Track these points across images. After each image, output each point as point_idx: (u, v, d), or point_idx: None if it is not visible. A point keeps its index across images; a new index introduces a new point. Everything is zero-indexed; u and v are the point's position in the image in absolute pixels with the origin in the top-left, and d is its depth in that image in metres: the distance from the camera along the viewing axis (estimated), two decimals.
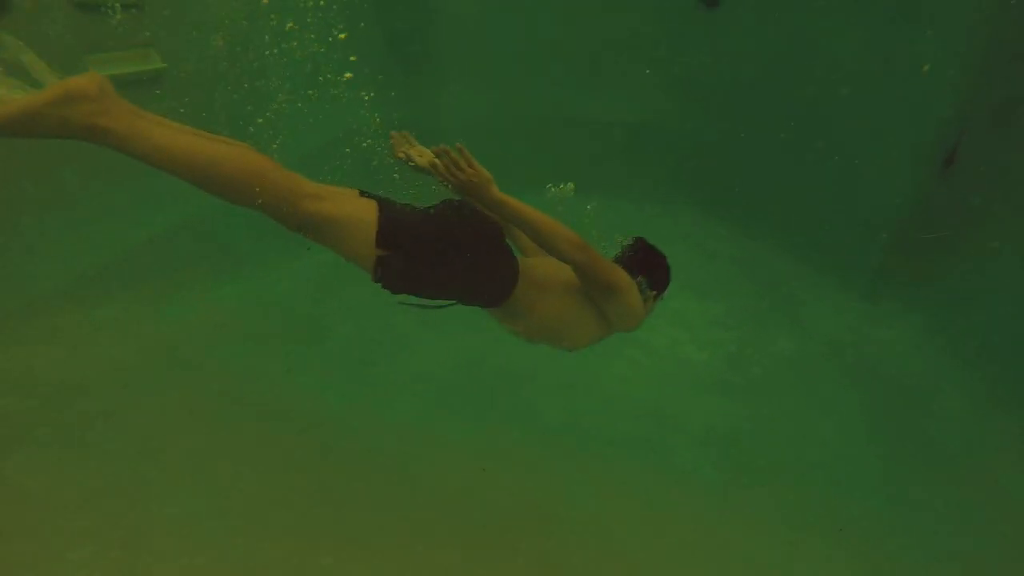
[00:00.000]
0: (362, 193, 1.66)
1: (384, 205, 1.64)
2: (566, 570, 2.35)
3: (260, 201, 1.51)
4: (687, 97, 5.27)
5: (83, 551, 2.06)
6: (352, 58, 4.87)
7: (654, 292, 1.89)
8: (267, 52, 4.02)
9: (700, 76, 5.15)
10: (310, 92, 4.56)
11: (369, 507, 2.51)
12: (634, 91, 5.44)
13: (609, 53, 5.35)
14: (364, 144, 4.99)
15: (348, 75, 4.90)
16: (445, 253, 1.65)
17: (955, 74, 4.05)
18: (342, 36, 4.67)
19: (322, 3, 4.23)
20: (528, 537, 2.49)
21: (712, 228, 5.56)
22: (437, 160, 1.57)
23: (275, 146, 4.18)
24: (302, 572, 2.15)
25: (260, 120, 4.07)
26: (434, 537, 2.39)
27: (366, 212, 1.59)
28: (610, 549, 2.49)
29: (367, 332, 3.86)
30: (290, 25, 4.17)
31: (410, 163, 1.87)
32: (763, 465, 3.20)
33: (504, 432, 3.16)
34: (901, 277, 4.61)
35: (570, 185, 1.99)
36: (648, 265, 1.90)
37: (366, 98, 5.17)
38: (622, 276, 1.72)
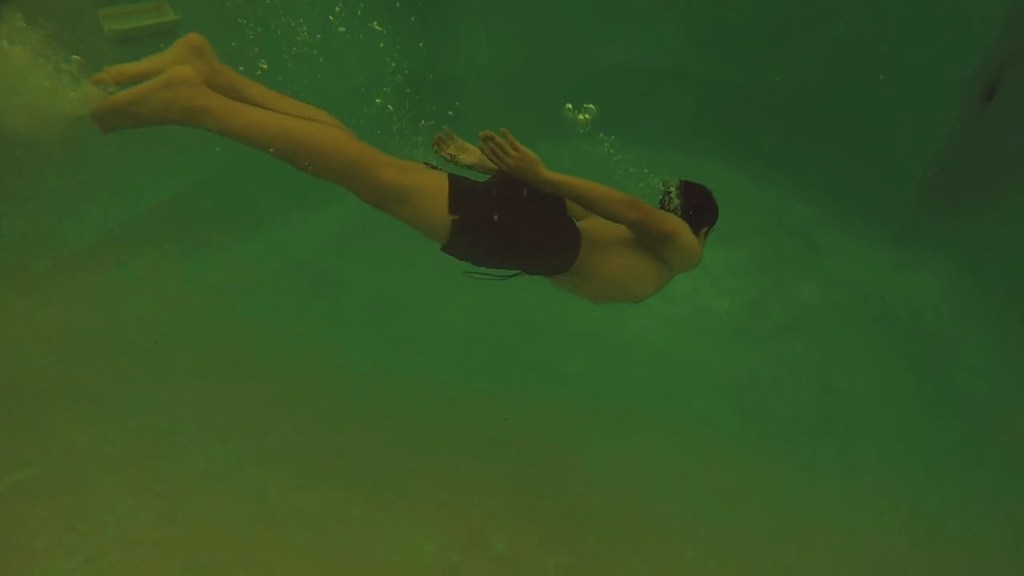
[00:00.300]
0: (429, 166, 1.75)
1: (454, 175, 1.72)
2: (588, 515, 2.42)
3: (343, 175, 1.66)
4: (709, 41, 5.05)
5: (128, 502, 2.17)
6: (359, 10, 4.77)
7: (705, 228, 1.99)
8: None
9: (723, 19, 4.92)
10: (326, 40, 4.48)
11: (395, 458, 2.59)
12: (655, 37, 5.23)
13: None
14: (382, 93, 4.93)
15: (375, 25, 4.79)
16: (514, 220, 1.71)
17: None
18: None
19: None
20: (551, 483, 2.56)
21: (734, 175, 5.43)
22: (483, 147, 1.65)
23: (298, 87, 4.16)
24: (335, 522, 2.25)
25: (270, 67, 4.03)
26: (460, 487, 2.47)
27: (438, 181, 1.68)
28: (630, 496, 2.55)
29: (387, 286, 3.91)
30: None
31: (456, 161, 1.93)
32: (783, 412, 3.23)
33: (524, 382, 3.22)
34: (930, 222, 4.47)
35: (591, 107, 2.02)
36: (694, 204, 1.98)
37: (382, 45, 5.06)
38: (674, 221, 1.79)
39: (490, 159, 1.65)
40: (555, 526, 2.34)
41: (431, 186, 1.67)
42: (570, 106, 2.03)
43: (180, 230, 3.61)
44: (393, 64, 5.19)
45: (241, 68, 1.87)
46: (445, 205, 1.66)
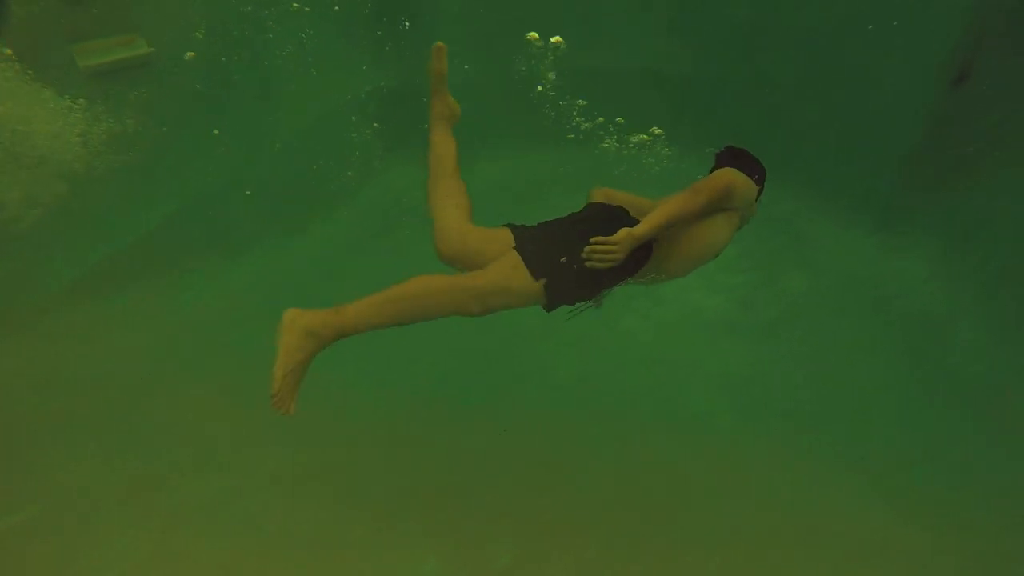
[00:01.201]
0: (511, 227, 1.91)
1: (520, 241, 1.84)
2: (588, 523, 2.41)
3: (448, 310, 1.81)
4: (687, 39, 5.10)
5: (125, 539, 2.15)
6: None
7: (755, 178, 2.07)
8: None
9: (698, 17, 4.98)
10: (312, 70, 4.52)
11: (393, 477, 2.58)
12: (634, 39, 5.29)
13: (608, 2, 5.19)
14: (364, 111, 4.93)
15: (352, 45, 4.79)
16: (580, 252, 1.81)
17: None
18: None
19: None
20: (550, 493, 2.55)
21: None
22: (589, 256, 1.76)
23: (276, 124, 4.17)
24: (336, 545, 2.23)
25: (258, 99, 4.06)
26: (459, 501, 2.46)
27: (510, 258, 1.80)
28: (630, 501, 2.54)
29: None
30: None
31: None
32: (781, 406, 3.23)
33: (520, 392, 3.21)
34: (913, 205, 4.50)
35: (558, 38, 2.27)
36: (738, 163, 2.09)
37: (364, 68, 5.09)
38: (726, 174, 1.94)
39: (599, 266, 1.77)
40: (556, 536, 2.33)
41: (508, 266, 1.79)
42: (536, 35, 2.20)
43: (165, 261, 3.60)
44: (370, 87, 5.21)
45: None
46: (527, 275, 1.78)
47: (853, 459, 2.86)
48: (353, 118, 5.08)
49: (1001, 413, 3.19)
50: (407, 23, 5.01)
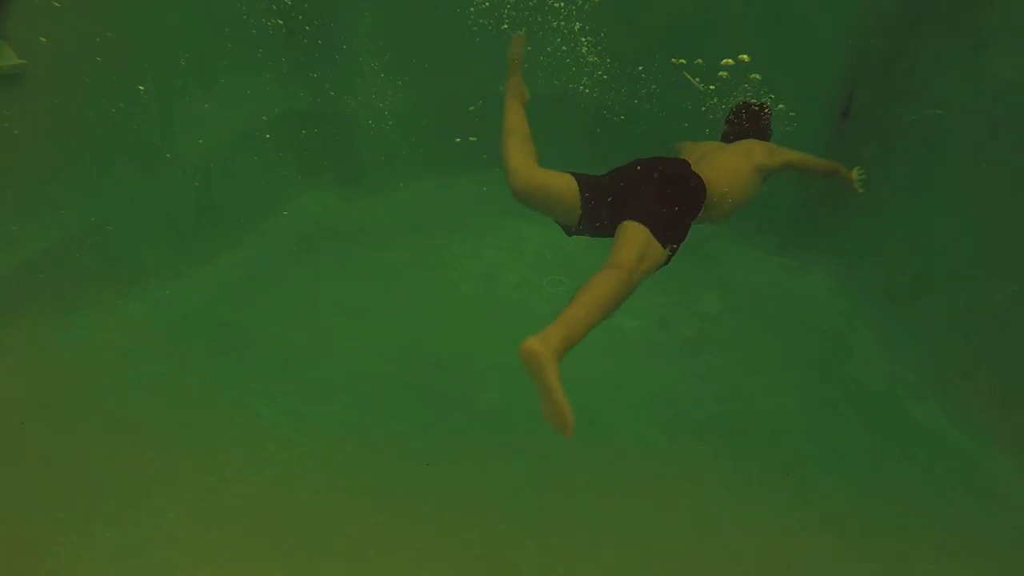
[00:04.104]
0: (574, 175, 2.30)
1: (605, 194, 2.27)
2: (517, 553, 2.34)
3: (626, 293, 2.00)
4: (598, 69, 5.28)
5: None
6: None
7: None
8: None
9: (611, 48, 5.17)
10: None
11: (314, 520, 2.41)
12: (549, 65, 5.41)
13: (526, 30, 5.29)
14: (266, 137, 4.75)
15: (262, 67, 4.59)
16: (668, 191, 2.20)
17: (843, 31, 4.24)
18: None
19: None
20: (478, 525, 2.47)
21: None
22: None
23: (168, 153, 3.91)
24: None
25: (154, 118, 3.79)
26: (384, 541, 2.33)
27: (639, 232, 2.08)
28: (558, 525, 2.50)
29: (292, 334, 3.70)
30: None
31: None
32: (701, 423, 3.30)
33: (442, 420, 3.12)
34: (813, 227, 4.84)
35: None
36: (749, 120, 2.89)
37: (274, 89, 4.90)
38: (759, 144, 2.67)
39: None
40: (484, 572, 2.25)
41: (639, 237, 2.07)
42: None
43: (51, 292, 3.26)
44: (280, 109, 5.04)
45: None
46: (655, 242, 2.08)
47: (772, 474, 2.96)
48: (263, 140, 4.88)
49: (900, 422, 3.42)
50: (320, 42, 4.90)
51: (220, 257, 4.34)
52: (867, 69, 4.35)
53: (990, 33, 3.54)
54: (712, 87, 3.62)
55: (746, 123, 2.90)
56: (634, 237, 2.05)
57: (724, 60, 3.91)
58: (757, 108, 2.97)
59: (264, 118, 4.87)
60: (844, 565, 2.45)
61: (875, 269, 4.35)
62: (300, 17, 4.75)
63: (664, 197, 2.16)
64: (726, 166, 2.42)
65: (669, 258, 2.16)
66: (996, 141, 3.48)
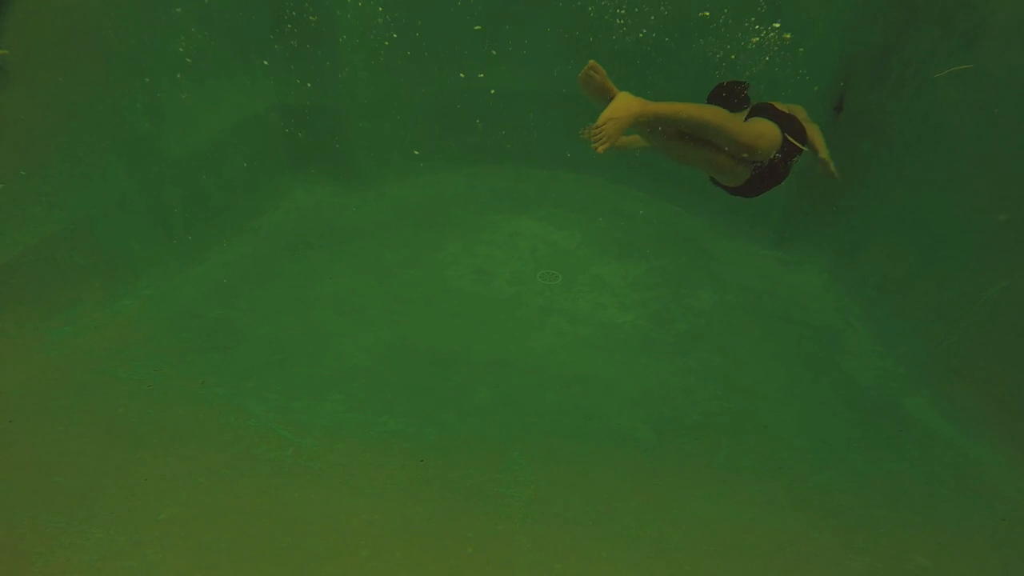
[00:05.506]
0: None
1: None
2: (513, 553, 2.33)
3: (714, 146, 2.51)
4: (585, 62, 5.28)
5: None
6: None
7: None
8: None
9: (597, 41, 5.16)
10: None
11: (305, 517, 2.39)
12: (534, 60, 5.39)
13: (509, 24, 5.27)
14: (257, 133, 4.70)
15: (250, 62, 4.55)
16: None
17: (835, 26, 4.25)
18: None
19: None
20: (475, 523, 2.46)
21: (625, 191, 5.64)
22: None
23: (163, 145, 3.87)
24: None
25: (142, 111, 3.74)
26: (377, 540, 2.32)
27: (770, 126, 2.61)
28: (554, 522, 2.49)
29: (284, 331, 3.68)
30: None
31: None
32: (696, 419, 3.30)
33: (437, 418, 3.10)
34: (807, 223, 4.85)
35: None
36: (729, 93, 2.99)
37: (264, 84, 4.85)
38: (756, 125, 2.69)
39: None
40: (479, 569, 2.24)
41: (769, 129, 2.62)
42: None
43: (38, 290, 3.23)
44: (270, 103, 4.99)
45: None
46: (778, 140, 2.60)
47: (766, 470, 2.96)
48: (254, 136, 4.84)
49: (893, 417, 3.42)
50: (312, 38, 4.85)
51: (211, 254, 4.31)
52: (860, 64, 4.36)
53: (982, 29, 3.55)
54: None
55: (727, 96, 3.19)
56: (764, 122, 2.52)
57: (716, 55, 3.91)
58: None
59: (255, 114, 4.83)
60: (837, 559, 2.46)
61: (868, 264, 4.36)
62: (292, 13, 4.71)
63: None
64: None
65: (771, 163, 2.57)
66: (988, 136, 3.50)
